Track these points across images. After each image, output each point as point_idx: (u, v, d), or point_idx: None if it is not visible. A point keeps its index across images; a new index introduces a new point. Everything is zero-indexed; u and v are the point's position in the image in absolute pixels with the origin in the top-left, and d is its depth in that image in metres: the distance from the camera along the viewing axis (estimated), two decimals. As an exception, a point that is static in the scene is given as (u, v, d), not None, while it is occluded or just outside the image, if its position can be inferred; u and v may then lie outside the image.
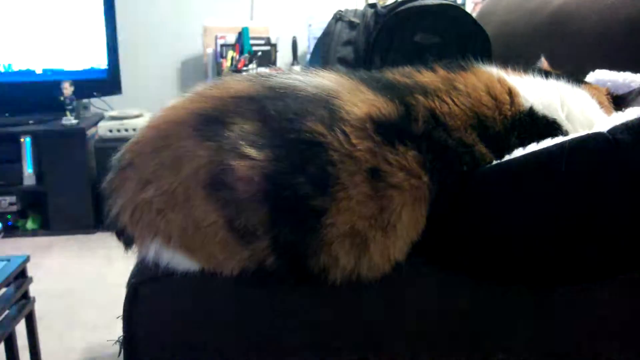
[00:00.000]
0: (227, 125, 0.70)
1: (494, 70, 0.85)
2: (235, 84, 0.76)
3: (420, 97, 0.76)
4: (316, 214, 0.68)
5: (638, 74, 0.95)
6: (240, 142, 0.68)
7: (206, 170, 0.69)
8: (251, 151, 0.68)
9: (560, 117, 0.81)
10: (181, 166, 0.70)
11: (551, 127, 0.79)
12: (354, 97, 0.74)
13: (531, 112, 0.80)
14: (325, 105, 0.72)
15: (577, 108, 0.82)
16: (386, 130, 0.71)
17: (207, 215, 0.69)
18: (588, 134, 0.70)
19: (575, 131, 0.79)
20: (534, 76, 0.87)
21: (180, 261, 0.74)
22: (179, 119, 0.73)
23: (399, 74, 0.82)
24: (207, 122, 0.71)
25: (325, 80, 0.76)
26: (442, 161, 0.73)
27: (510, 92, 0.81)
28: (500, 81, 0.82)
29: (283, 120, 0.70)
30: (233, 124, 0.70)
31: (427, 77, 0.82)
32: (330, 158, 0.68)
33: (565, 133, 0.79)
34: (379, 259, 0.72)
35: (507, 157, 0.74)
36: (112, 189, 0.76)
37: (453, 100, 0.77)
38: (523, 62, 0.92)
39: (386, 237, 0.71)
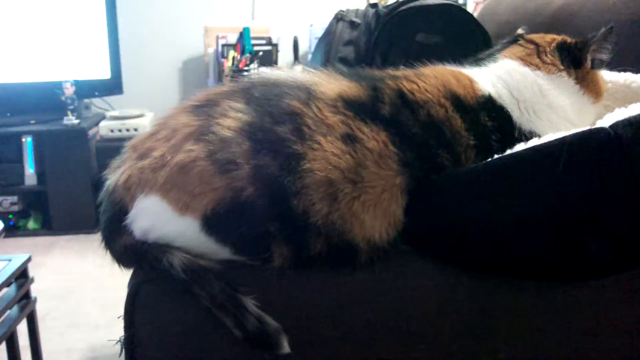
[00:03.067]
0: (216, 105, 0.79)
1: (452, 66, 0.94)
2: (221, 87, 0.87)
3: (389, 81, 0.84)
4: (296, 157, 0.73)
5: (638, 74, 0.95)
6: (227, 111, 0.77)
7: (193, 132, 0.76)
8: (236, 114, 0.76)
9: (513, 107, 0.87)
10: (174, 136, 0.77)
11: (507, 117, 0.86)
12: (328, 83, 0.83)
13: (491, 98, 0.86)
14: (302, 89, 0.80)
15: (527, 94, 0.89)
16: (357, 108, 0.79)
17: (190, 153, 0.74)
18: (590, 129, 0.70)
19: (529, 117, 0.87)
20: (472, 66, 0.94)
21: (152, 205, 0.75)
22: (175, 111, 0.83)
23: (376, 71, 0.91)
24: (200, 107, 0.80)
25: (304, 75, 0.85)
26: (411, 150, 0.78)
27: (470, 79, 0.88)
28: (460, 72, 0.91)
29: (264, 99, 0.79)
30: (220, 104, 0.79)
31: (397, 70, 0.91)
32: (306, 122, 0.76)
33: (516, 122, 0.86)
34: (346, 211, 0.74)
35: (508, 152, 0.75)
36: (112, 169, 0.82)
37: (423, 81, 0.85)
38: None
39: (354, 189, 0.74)
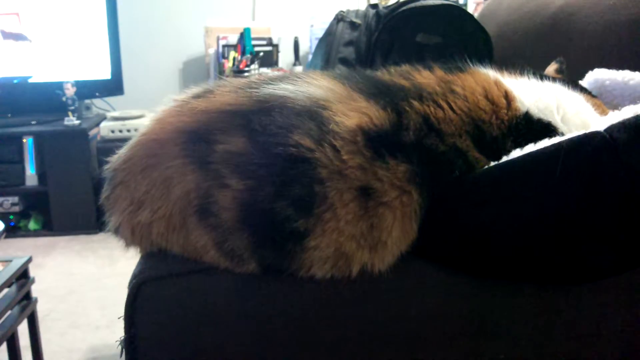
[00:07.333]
0: (212, 144, 0.70)
1: (490, 73, 0.85)
2: (222, 95, 0.75)
3: (415, 102, 0.75)
4: (298, 237, 0.69)
5: (636, 72, 0.95)
6: (223, 170, 0.68)
7: (195, 196, 0.71)
8: (232, 182, 0.68)
9: (556, 119, 0.81)
10: (171, 189, 0.72)
11: (547, 129, 0.80)
12: (345, 106, 0.72)
13: (527, 116, 0.80)
14: (313, 117, 0.69)
15: (573, 110, 0.83)
16: (377, 143, 0.70)
17: (199, 238, 0.73)
18: (585, 134, 0.70)
19: (571, 133, 0.78)
20: (529, 78, 0.87)
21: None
22: (166, 135, 0.74)
23: (396, 74, 0.82)
24: (193, 140, 0.71)
25: (317, 88, 0.74)
26: (432, 171, 0.73)
27: (507, 96, 0.81)
28: (497, 84, 0.82)
29: (268, 135, 0.68)
30: (217, 142, 0.69)
31: (425, 77, 0.81)
32: (318, 176, 0.67)
33: (561, 135, 0.79)
34: (358, 273, 0.73)
35: (504, 158, 0.75)
36: (107, 206, 0.80)
37: (450, 105, 0.76)
38: (522, 63, 0.93)
39: (375, 254, 0.72)
